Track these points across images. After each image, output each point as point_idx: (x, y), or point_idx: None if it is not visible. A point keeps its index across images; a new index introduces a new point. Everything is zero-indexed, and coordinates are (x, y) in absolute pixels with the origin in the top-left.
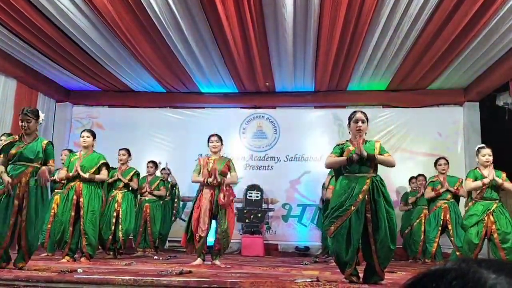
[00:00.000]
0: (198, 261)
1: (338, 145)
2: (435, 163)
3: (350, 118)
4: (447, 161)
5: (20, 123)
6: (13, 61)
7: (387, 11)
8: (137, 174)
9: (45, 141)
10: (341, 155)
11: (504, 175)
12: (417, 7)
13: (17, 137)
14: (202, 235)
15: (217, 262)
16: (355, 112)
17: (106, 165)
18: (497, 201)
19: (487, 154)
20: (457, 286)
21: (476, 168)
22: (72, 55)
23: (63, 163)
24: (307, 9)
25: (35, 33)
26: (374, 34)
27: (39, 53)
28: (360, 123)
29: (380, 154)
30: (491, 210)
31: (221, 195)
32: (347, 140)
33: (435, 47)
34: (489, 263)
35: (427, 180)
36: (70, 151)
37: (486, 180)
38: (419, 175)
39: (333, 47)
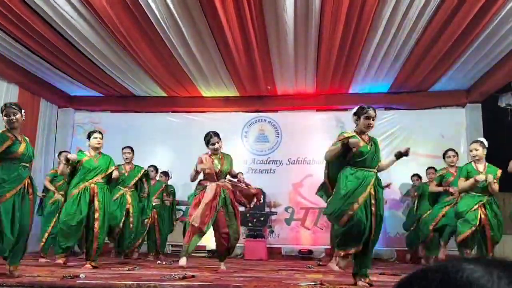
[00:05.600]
0: (184, 260)
1: (347, 137)
2: (444, 156)
3: (360, 113)
4: (456, 153)
5: (5, 118)
6: (15, 67)
7: (388, 14)
8: (146, 174)
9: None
10: (343, 147)
11: (499, 171)
12: (417, 9)
13: (10, 135)
14: (203, 229)
15: (223, 266)
16: (366, 108)
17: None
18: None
19: (473, 149)
20: (441, 285)
21: (470, 162)
22: (74, 61)
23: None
24: (307, 12)
25: (36, 39)
26: (375, 36)
27: (41, 59)
28: (371, 121)
29: None
30: (483, 202)
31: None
32: (355, 131)
33: (436, 49)
34: (477, 260)
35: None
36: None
37: (480, 177)
38: (415, 174)
39: (334, 50)
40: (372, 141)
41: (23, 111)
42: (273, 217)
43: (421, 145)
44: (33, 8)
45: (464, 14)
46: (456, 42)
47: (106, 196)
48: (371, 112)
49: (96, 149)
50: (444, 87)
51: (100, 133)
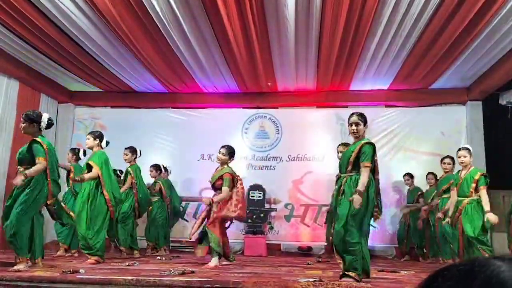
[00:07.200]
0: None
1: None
2: (441, 161)
3: (348, 121)
4: (452, 160)
5: None
6: (16, 63)
7: (389, 10)
8: (129, 173)
9: (31, 140)
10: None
11: (477, 175)
12: (419, 6)
13: None
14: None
15: (211, 263)
16: (351, 114)
17: (88, 165)
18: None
19: (461, 156)
20: (470, 282)
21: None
22: (74, 56)
23: (69, 162)
24: (308, 8)
25: (37, 35)
26: (376, 33)
27: (42, 55)
28: (354, 127)
29: (357, 158)
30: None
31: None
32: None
33: (437, 46)
34: (502, 257)
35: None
36: (73, 150)
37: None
38: (407, 173)
39: (335, 47)
40: (352, 146)
41: (44, 117)
42: (272, 214)
43: (421, 142)
44: (34, 4)
45: (465, 12)
46: (457, 39)
47: (90, 193)
48: (352, 118)
49: (89, 149)
50: (445, 84)
51: (90, 133)
